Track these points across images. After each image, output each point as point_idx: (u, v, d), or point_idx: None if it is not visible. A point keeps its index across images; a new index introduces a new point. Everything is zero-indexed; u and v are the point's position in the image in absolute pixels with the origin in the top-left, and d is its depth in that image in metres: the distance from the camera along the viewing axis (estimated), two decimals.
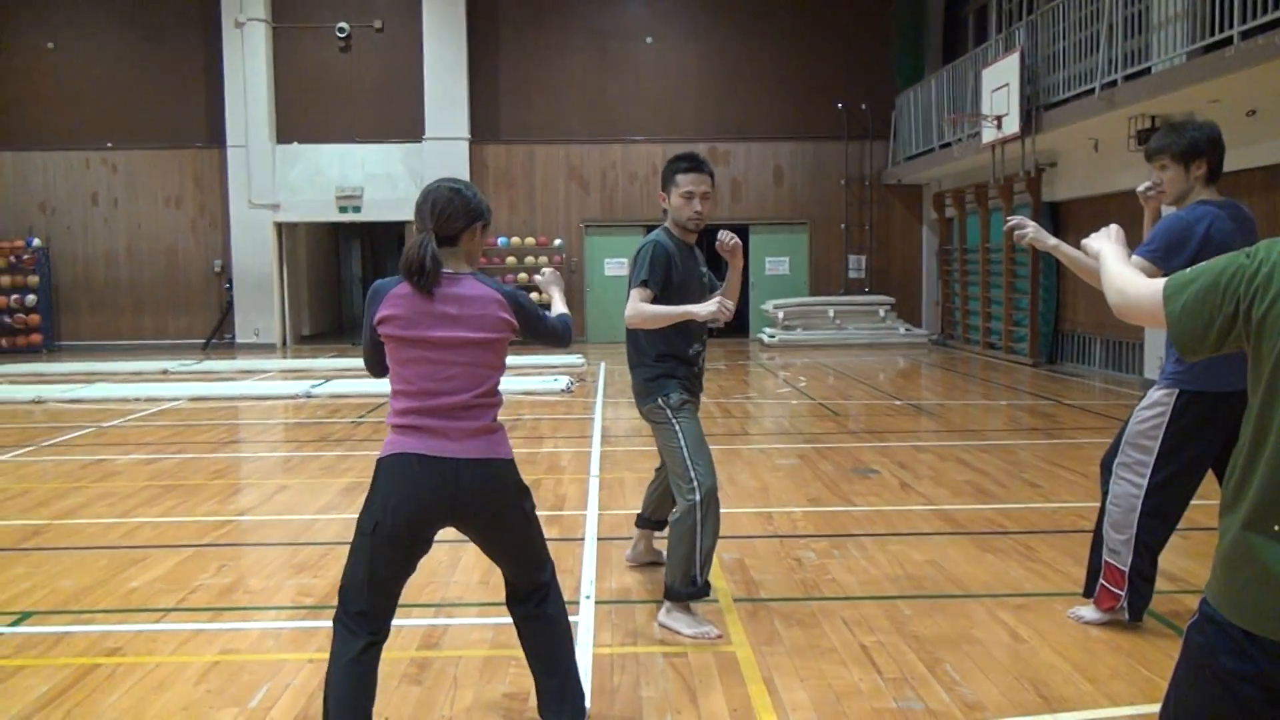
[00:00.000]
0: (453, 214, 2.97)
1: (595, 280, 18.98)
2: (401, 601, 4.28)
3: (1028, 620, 4.08)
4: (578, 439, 8.53)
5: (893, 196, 19.00)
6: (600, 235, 18.95)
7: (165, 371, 14.16)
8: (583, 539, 5.32)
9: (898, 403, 10.69)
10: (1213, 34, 9.07)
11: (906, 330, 18.05)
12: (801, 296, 18.56)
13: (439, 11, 17.98)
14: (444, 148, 18.14)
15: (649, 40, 18.68)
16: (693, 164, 4.16)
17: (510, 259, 18.41)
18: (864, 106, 18.57)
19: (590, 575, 4.67)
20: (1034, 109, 12.36)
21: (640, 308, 4.04)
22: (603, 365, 14.47)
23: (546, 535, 5.32)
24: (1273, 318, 1.67)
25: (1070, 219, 13.69)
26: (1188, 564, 4.81)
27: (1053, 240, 3.98)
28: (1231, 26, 8.65)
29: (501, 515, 3.08)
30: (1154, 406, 3.86)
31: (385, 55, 18.41)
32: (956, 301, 17.26)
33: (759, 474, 6.98)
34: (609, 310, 18.83)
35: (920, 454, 7.68)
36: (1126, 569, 3.82)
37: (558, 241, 18.55)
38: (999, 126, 12.77)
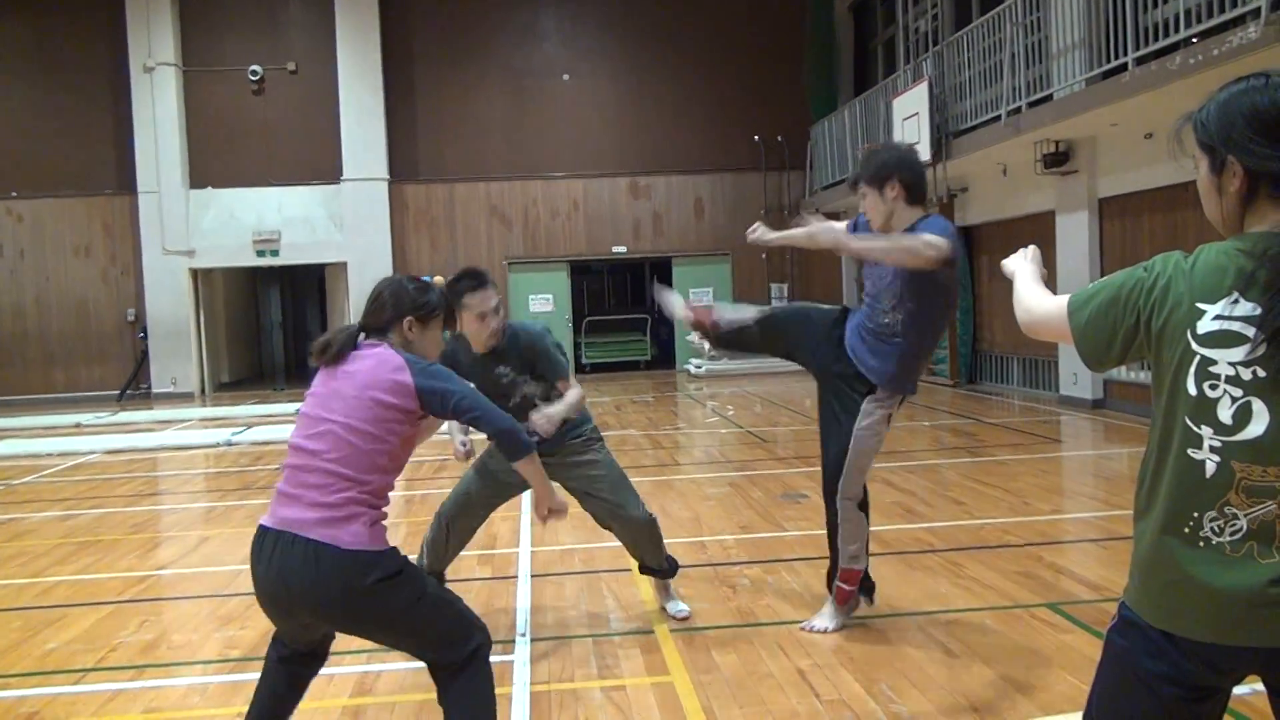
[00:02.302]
0: (380, 305, 2.89)
1: (521, 317, 18.89)
2: (331, 649, 4.22)
3: (959, 635, 4.14)
4: None
5: None
6: (524, 272, 18.92)
7: (79, 425, 13.73)
8: (515, 577, 5.28)
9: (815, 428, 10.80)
10: (1109, 61, 9.43)
11: None
12: None
13: (353, 52, 17.90)
14: (362, 188, 18.01)
15: (566, 77, 18.81)
16: (479, 282, 4.04)
17: None
18: (780, 138, 18.90)
19: (525, 613, 4.63)
20: (944, 136, 12.71)
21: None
22: None
23: (477, 575, 5.30)
24: (1170, 328, 1.73)
25: (983, 241, 14.06)
26: (1107, 572, 4.94)
27: (774, 235, 4.09)
28: (1127, 54, 9.01)
29: (340, 614, 2.68)
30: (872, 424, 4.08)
31: (300, 97, 18.24)
32: None
33: (690, 504, 7.00)
34: None
35: None
36: (865, 568, 4.23)
37: None
38: None
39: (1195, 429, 1.68)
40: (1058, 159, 11.03)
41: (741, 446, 9.74)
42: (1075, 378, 11.37)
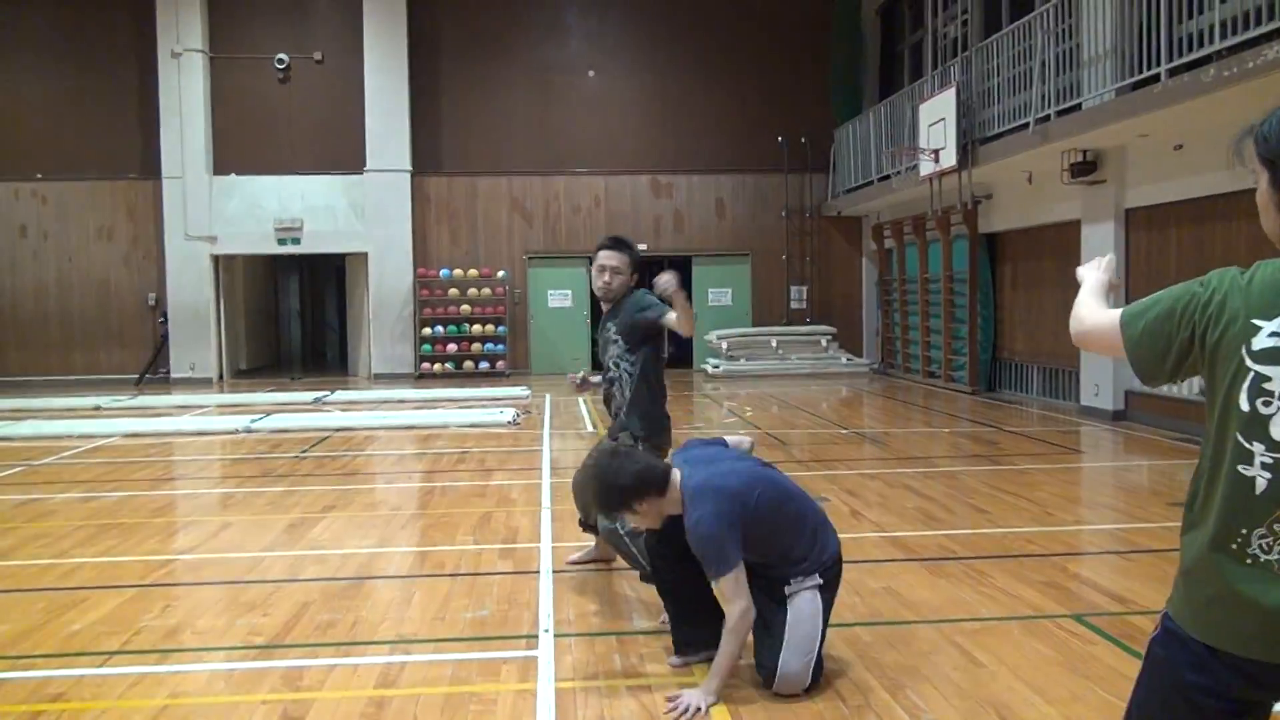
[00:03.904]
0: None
1: (539, 312, 18.95)
2: (354, 639, 4.24)
3: (984, 644, 4.11)
4: (527, 471, 8.47)
5: (832, 228, 19.28)
6: (543, 267, 18.93)
7: (98, 407, 13.80)
8: (538, 572, 5.27)
9: (843, 431, 10.79)
10: (1141, 71, 9.38)
11: (848, 360, 18.25)
12: (744, 327, 18.70)
13: (380, 43, 17.94)
14: (385, 179, 18.05)
15: (591, 74, 18.80)
16: (610, 243, 4.95)
17: (452, 291, 18.30)
18: (804, 140, 18.86)
19: (548, 608, 4.62)
20: (970, 143, 12.65)
21: None
22: (548, 397, 14.41)
23: (499, 569, 5.30)
24: (1225, 344, 1.72)
25: (1006, 249, 14.00)
26: (1132, 584, 4.90)
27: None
28: (1159, 64, 8.95)
29: None
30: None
31: (325, 87, 18.30)
32: (896, 331, 17.51)
33: None
34: (554, 342, 18.83)
35: (869, 481, 7.75)
36: None
37: (501, 273, 18.50)
38: (937, 160, 13.04)
39: (1247, 445, 1.67)
40: (1085, 168, 10.97)
41: (760, 449, 9.68)
42: (1097, 389, 11.30)
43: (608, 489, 3.55)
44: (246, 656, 4.08)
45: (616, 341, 4.90)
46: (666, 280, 4.46)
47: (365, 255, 18.28)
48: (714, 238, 19.16)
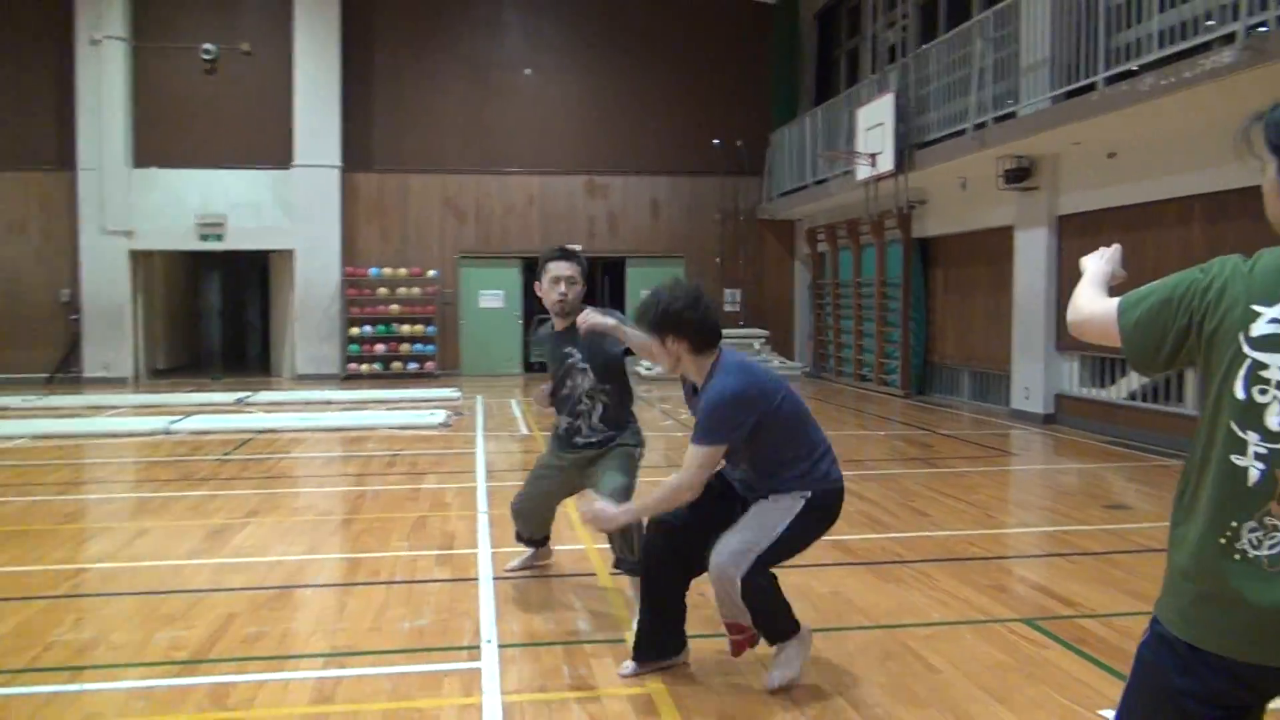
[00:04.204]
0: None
1: (470, 313, 18.64)
2: (285, 652, 4.01)
3: (938, 649, 4.03)
4: (461, 474, 8.24)
5: (766, 231, 19.30)
6: (476, 267, 18.63)
7: (4, 408, 13.18)
8: (477, 579, 5.08)
9: None
10: (1077, 79, 9.48)
11: (781, 363, 18.27)
12: None
13: (311, 34, 17.49)
14: (314, 175, 17.60)
15: (528, 72, 18.56)
16: (564, 254, 4.63)
17: (382, 290, 17.92)
18: (739, 143, 18.84)
19: (490, 617, 4.43)
20: (907, 147, 12.72)
21: None
22: (480, 399, 14.15)
23: (436, 576, 5.10)
24: (1223, 330, 1.67)
25: (939, 254, 14.11)
26: (1078, 587, 4.87)
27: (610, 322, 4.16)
28: (1096, 73, 9.05)
29: None
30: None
31: (253, 78, 17.76)
32: (829, 335, 17.58)
33: None
34: (485, 343, 18.55)
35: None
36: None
37: (432, 273, 18.16)
38: (874, 164, 13.09)
39: (1240, 434, 1.62)
40: (1019, 175, 11.08)
41: None
42: (1027, 392, 11.42)
43: (665, 305, 3.49)
44: (168, 673, 3.82)
45: (585, 371, 4.58)
46: (586, 321, 4.24)
47: (291, 253, 17.79)
48: (648, 240, 19.05)
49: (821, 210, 17.36)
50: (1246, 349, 1.62)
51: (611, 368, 4.61)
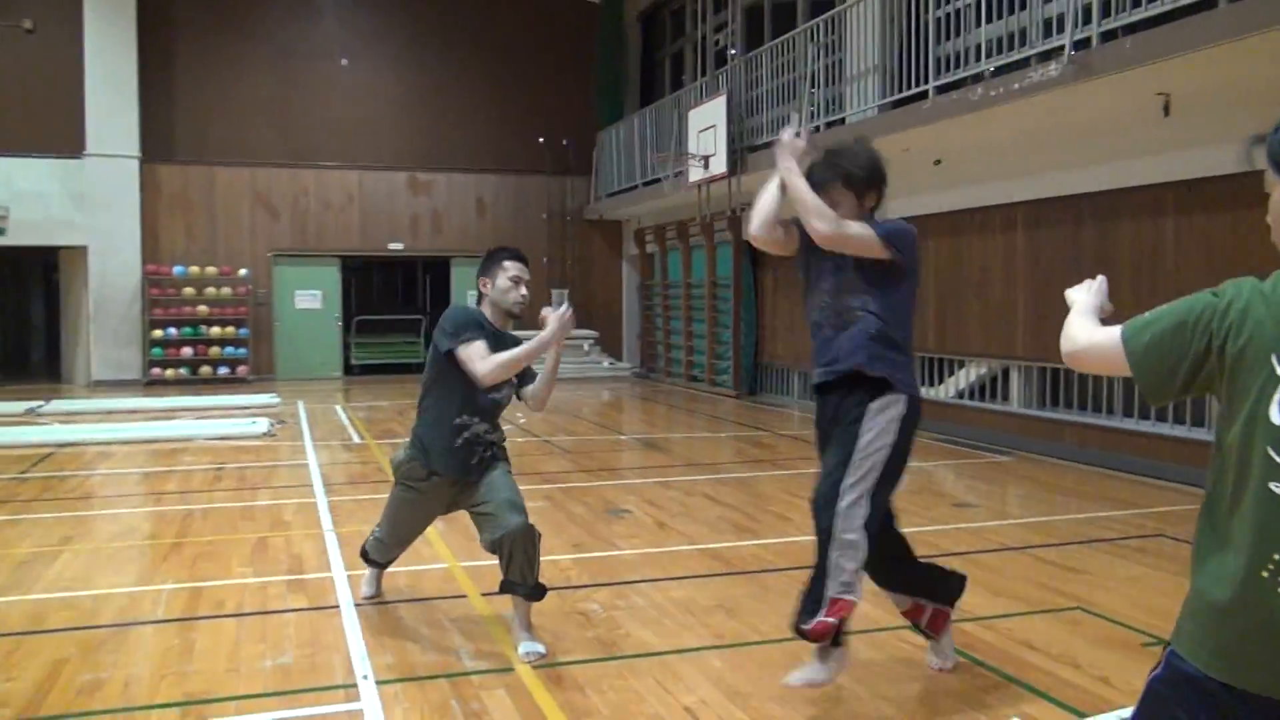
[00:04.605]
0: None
1: (285, 314, 17.69)
2: (130, 702, 3.56)
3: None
4: (297, 489, 7.71)
5: (594, 232, 19.21)
6: (290, 265, 17.71)
7: None
8: (337, 607, 4.69)
9: (623, 437, 10.64)
10: (905, 87, 9.78)
11: (610, 364, 18.23)
12: None
13: (102, 14, 16.15)
14: (109, 166, 16.28)
15: (345, 62, 17.78)
16: (519, 255, 4.33)
17: (188, 290, 16.77)
18: (565, 142, 18.66)
19: (361, 650, 4.08)
20: (740, 150, 12.85)
21: (483, 364, 4.04)
22: (301, 405, 13.43)
23: (291, 606, 4.69)
24: (1250, 353, 1.61)
25: (768, 256, 14.32)
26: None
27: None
28: (926, 82, 9.36)
29: None
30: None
31: (38, 59, 16.21)
32: (659, 335, 17.65)
33: None
34: (301, 346, 17.67)
35: (665, 490, 7.58)
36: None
37: (243, 272, 17.13)
38: (707, 166, 13.17)
39: (1276, 457, 1.56)
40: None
41: (543, 457, 9.36)
42: None
43: (870, 158, 3.66)
44: None
45: (511, 383, 4.25)
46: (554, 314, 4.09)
47: (84, 249, 16.39)
48: (474, 238, 18.59)
49: (650, 211, 17.40)
50: (1277, 370, 1.56)
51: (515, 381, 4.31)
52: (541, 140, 18.53)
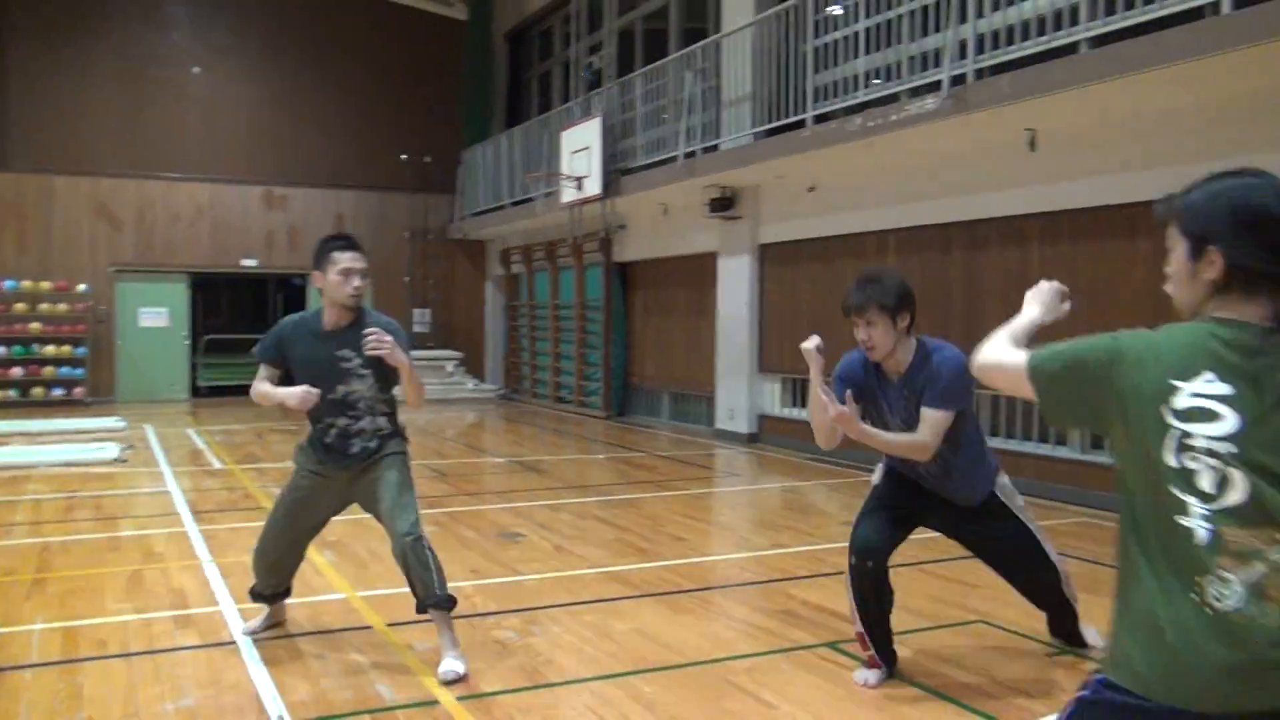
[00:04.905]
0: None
1: (128, 332, 16.72)
2: None
3: (764, 683, 3.96)
4: (162, 518, 7.26)
5: (458, 251, 18.92)
6: (135, 281, 16.76)
7: None
8: (234, 643, 4.41)
9: (500, 460, 10.46)
10: (782, 116, 10.01)
11: (475, 385, 17.95)
12: None
13: None
14: None
15: (196, 70, 17.02)
16: (349, 243, 4.23)
17: (19, 305, 15.66)
18: (427, 159, 18.34)
19: (270, 689, 3.84)
20: (614, 172, 12.89)
21: (253, 389, 4.30)
22: (150, 429, 12.70)
23: (182, 643, 4.38)
24: (1143, 402, 1.74)
25: (638, 278, 14.43)
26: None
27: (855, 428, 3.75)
28: (803, 110, 9.60)
29: None
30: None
31: None
32: (525, 356, 17.49)
33: None
34: (145, 367, 16.74)
35: (556, 514, 7.48)
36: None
37: (82, 287, 16.11)
38: (580, 187, 13.16)
39: (1181, 497, 1.70)
40: (724, 204, 11.54)
41: (421, 480, 9.06)
42: (731, 413, 11.90)
43: (903, 282, 3.74)
44: None
45: (364, 378, 4.14)
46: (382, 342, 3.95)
47: None
48: None
49: (516, 231, 17.27)
50: (1171, 420, 1.70)
51: (391, 377, 4.23)
52: (404, 157, 18.16)
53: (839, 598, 5.20)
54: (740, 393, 11.73)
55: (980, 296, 8.72)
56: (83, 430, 12.21)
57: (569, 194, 13.45)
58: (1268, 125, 6.60)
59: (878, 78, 8.83)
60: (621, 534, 6.76)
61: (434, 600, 4.03)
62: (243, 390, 18.09)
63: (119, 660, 4.18)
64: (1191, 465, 1.69)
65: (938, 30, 8.24)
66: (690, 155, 11.32)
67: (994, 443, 8.50)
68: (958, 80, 7.78)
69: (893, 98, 8.59)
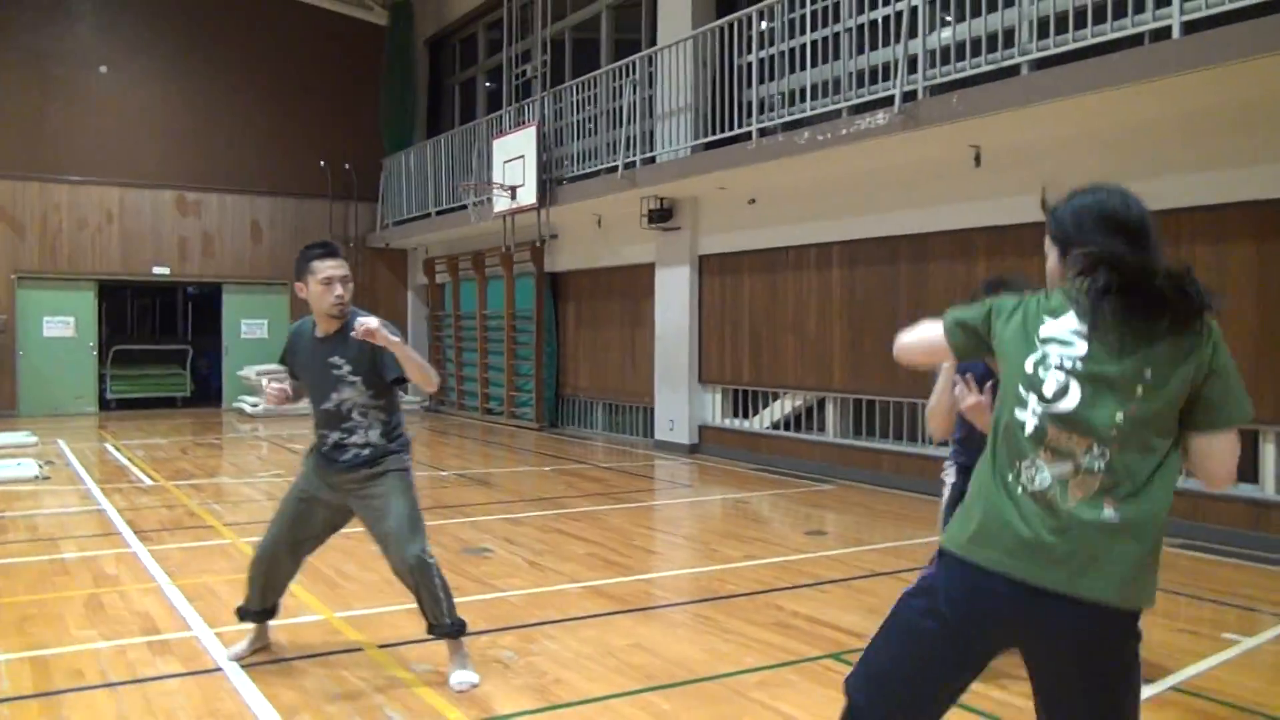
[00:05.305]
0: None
1: (31, 343, 15.95)
2: None
3: (780, 697, 3.95)
4: (103, 538, 6.91)
5: (378, 260, 18.56)
6: (37, 289, 16.00)
7: None
8: (220, 669, 4.22)
9: (444, 473, 10.26)
10: (724, 129, 10.07)
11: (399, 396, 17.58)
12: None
13: None
14: None
15: (103, 70, 16.35)
16: (328, 250, 4.16)
17: None
18: (347, 166, 17.96)
19: (271, 715, 3.68)
20: (549, 181, 12.79)
21: None
22: (63, 444, 12.13)
23: (165, 671, 4.17)
24: (1026, 328, 2.16)
25: (570, 289, 14.35)
26: (849, 617, 5.04)
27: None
28: (745, 123, 9.68)
29: None
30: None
31: None
32: (450, 368, 17.23)
33: (368, 563, 6.13)
34: (48, 378, 16.00)
35: (518, 528, 7.36)
36: None
37: None
38: (514, 197, 13.03)
39: (1024, 395, 2.11)
40: (663, 215, 11.56)
41: None
42: (672, 424, 11.90)
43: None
44: None
45: (354, 384, 4.03)
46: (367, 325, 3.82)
47: None
48: (249, 264, 17.53)
49: (441, 240, 17.02)
50: (1034, 340, 2.13)
51: (382, 384, 4.09)
52: (323, 164, 17.76)
53: (827, 608, 5.27)
54: (680, 404, 11.74)
55: (927, 307, 8.86)
56: None
57: (502, 203, 13.30)
58: (1196, 145, 6.91)
59: (824, 93, 8.94)
60: (591, 548, 6.69)
61: (443, 630, 4.06)
62: (154, 403, 17.50)
63: (102, 691, 3.96)
64: (1043, 375, 2.08)
65: (883, 46, 8.41)
66: (630, 166, 11.30)
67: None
68: (909, 96, 7.93)
69: (837, 113, 8.72)
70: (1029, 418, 2.08)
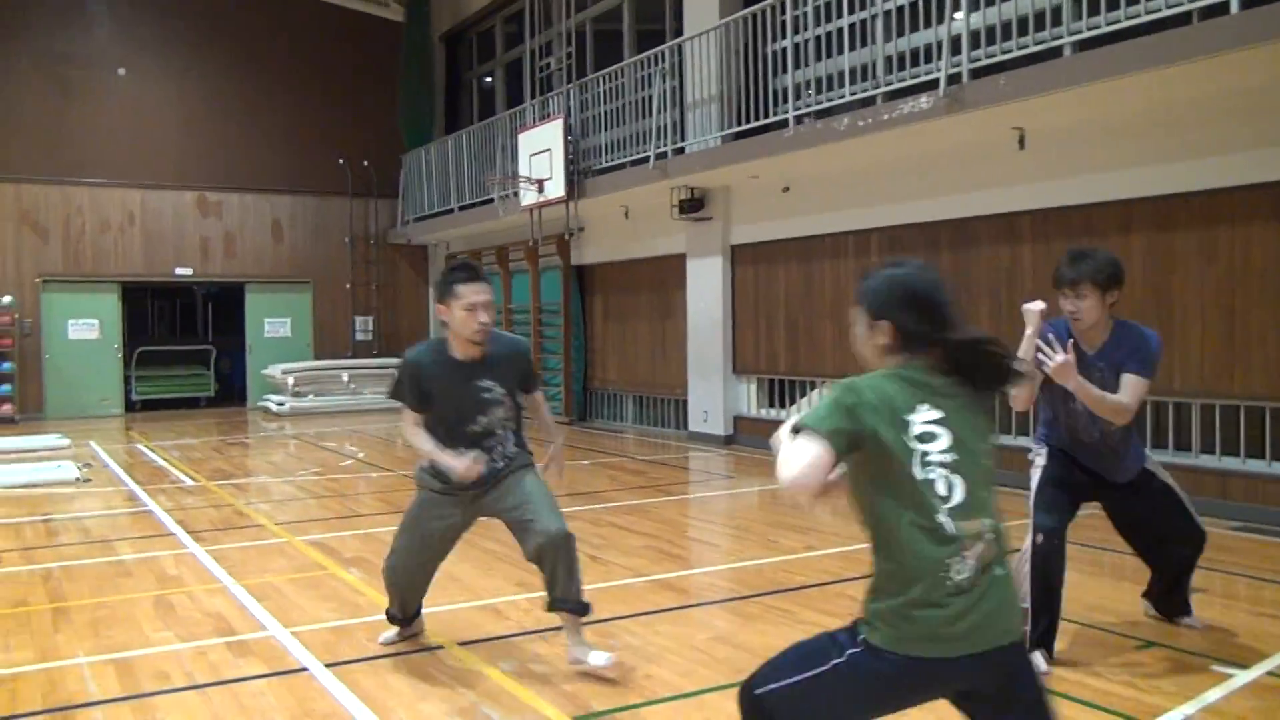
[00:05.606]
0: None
1: (56, 346, 15.96)
2: None
3: None
4: (158, 539, 6.89)
5: (399, 256, 18.54)
6: (62, 292, 16.01)
7: None
8: (306, 669, 4.19)
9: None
10: (754, 117, 9.99)
11: None
12: (307, 360, 17.28)
13: None
14: None
15: (122, 71, 16.32)
16: (472, 274, 4.06)
17: None
18: (366, 163, 17.92)
19: (369, 718, 3.64)
20: (577, 174, 12.73)
21: (404, 429, 4.30)
22: (95, 445, 12.13)
23: (251, 672, 4.14)
24: (894, 432, 2.19)
25: (598, 281, 14.31)
26: None
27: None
28: (777, 110, 9.60)
29: None
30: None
31: None
32: None
33: None
34: (73, 381, 16.01)
35: (569, 521, 7.30)
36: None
37: (6, 299, 15.33)
38: (541, 190, 12.97)
39: (931, 501, 2.16)
40: (694, 205, 11.49)
41: (408, 493, 8.82)
42: (706, 415, 11.86)
43: (1112, 261, 4.01)
44: None
45: (501, 403, 4.10)
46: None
47: None
48: (270, 263, 17.52)
49: (462, 235, 16.98)
50: (912, 444, 2.17)
51: (518, 399, 4.25)
52: (342, 161, 17.72)
53: None
54: (714, 395, 11.69)
55: (971, 294, 8.81)
56: (26, 449, 11.57)
57: (529, 197, 13.24)
58: (1250, 123, 6.83)
59: (860, 79, 8.87)
60: (648, 541, 6.65)
61: (571, 606, 4.06)
62: (177, 404, 17.51)
63: (192, 693, 3.93)
64: (931, 476, 2.17)
65: (923, 28, 8.33)
66: (661, 156, 11.23)
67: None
68: (953, 79, 7.85)
69: (871, 99, 8.65)
70: (944, 520, 2.17)
